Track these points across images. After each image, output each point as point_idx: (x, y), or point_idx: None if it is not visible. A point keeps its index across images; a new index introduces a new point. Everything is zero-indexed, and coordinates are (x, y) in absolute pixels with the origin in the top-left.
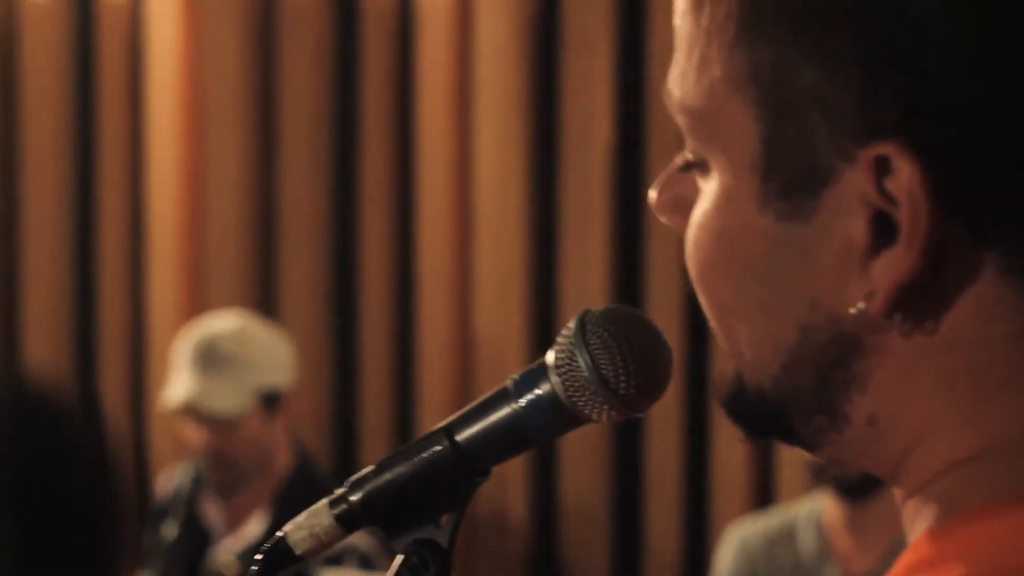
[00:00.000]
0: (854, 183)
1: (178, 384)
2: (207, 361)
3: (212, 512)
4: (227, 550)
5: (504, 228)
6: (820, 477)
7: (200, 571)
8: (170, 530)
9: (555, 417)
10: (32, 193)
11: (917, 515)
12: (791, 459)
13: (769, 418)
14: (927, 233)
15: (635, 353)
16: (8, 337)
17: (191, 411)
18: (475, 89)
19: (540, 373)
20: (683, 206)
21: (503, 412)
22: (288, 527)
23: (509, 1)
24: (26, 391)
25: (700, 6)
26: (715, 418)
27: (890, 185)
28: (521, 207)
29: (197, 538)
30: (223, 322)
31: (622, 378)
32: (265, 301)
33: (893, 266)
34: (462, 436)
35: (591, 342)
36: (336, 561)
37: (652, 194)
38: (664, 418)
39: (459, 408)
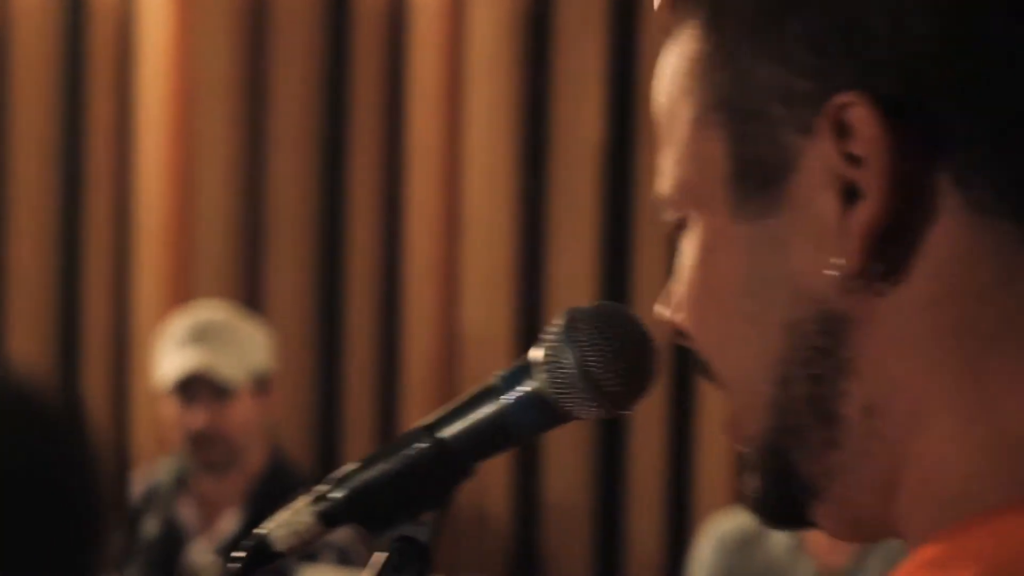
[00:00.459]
0: (817, 155)
1: (178, 359)
2: (207, 335)
3: (186, 510)
4: (202, 548)
5: (492, 225)
6: None
7: (176, 569)
8: (149, 528)
9: (541, 414)
10: (19, 188)
11: (921, 515)
12: None
13: (777, 476)
14: (890, 173)
15: (622, 350)
16: None
17: (193, 382)
18: (466, 86)
19: (526, 370)
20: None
21: (488, 409)
22: (270, 524)
23: None
24: (9, 387)
25: (665, 90)
26: (698, 416)
27: (852, 147)
28: (510, 204)
29: (172, 536)
30: (212, 308)
31: (609, 375)
32: (251, 298)
33: (862, 217)
34: (446, 433)
35: (578, 339)
36: (313, 557)
37: (663, 313)
38: (647, 416)
39: (444, 404)
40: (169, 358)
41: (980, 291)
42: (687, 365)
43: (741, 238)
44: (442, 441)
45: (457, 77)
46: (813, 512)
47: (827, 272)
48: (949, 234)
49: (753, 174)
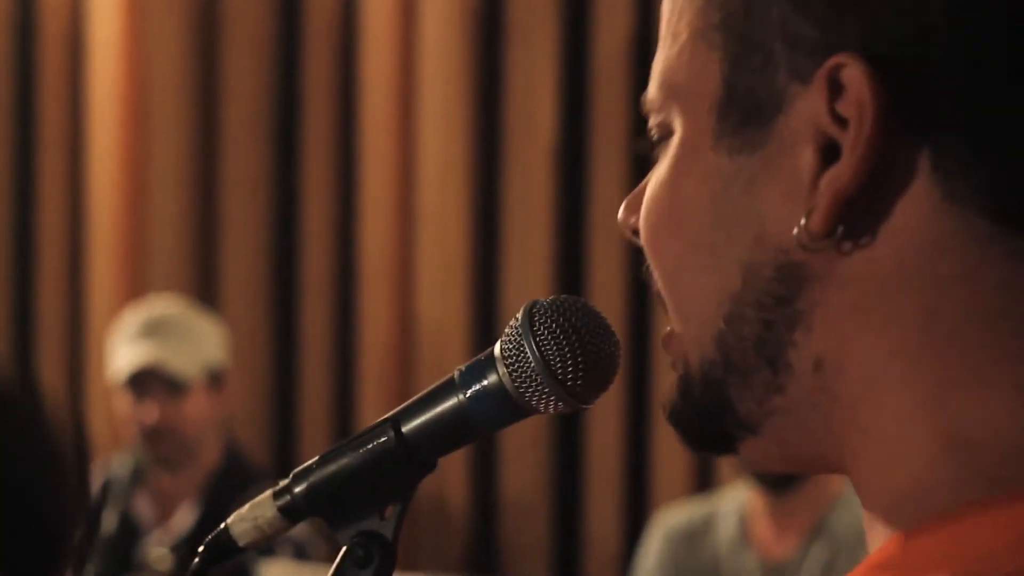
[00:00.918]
0: (807, 107)
1: (130, 353)
2: (160, 330)
3: (142, 505)
4: (157, 542)
5: (447, 220)
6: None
7: (131, 564)
8: (105, 523)
9: (502, 408)
10: None
11: (873, 496)
12: None
13: (710, 407)
14: (870, 141)
15: (583, 344)
16: None
17: (146, 376)
18: (419, 83)
19: (487, 364)
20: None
21: (449, 403)
22: (231, 518)
23: None
24: None
25: None
26: (656, 411)
27: (841, 107)
28: (464, 200)
29: (128, 531)
30: (164, 303)
31: (569, 369)
32: (205, 292)
33: (835, 178)
34: (407, 427)
35: (539, 332)
36: (270, 551)
37: (619, 214)
38: (605, 410)
39: (400, 398)
40: (121, 352)
41: (945, 281)
42: (644, 360)
43: (717, 169)
44: (403, 435)
45: (409, 75)
46: (742, 444)
47: (792, 225)
48: (920, 217)
49: (741, 106)
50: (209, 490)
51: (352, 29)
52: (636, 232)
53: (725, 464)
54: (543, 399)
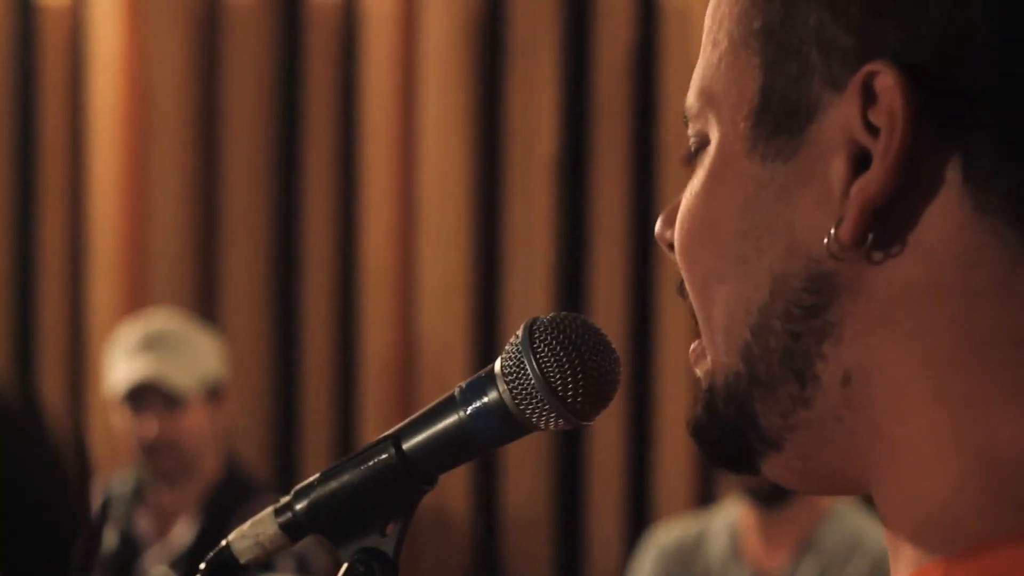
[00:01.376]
0: (840, 114)
1: (128, 368)
2: (157, 345)
3: (141, 520)
4: (156, 558)
5: (448, 233)
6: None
7: None
8: (107, 541)
9: (502, 425)
10: None
11: (901, 519)
12: None
13: (734, 421)
14: (901, 151)
15: (583, 361)
16: None
17: (144, 391)
18: (419, 93)
19: (487, 381)
20: (676, 213)
21: (449, 420)
22: (232, 535)
23: (454, 5)
24: None
25: (716, 2)
26: (658, 424)
27: (873, 115)
28: (465, 212)
29: (128, 548)
30: (162, 317)
31: (570, 386)
32: (206, 305)
33: (865, 187)
34: (408, 444)
35: (539, 350)
36: (271, 566)
37: (656, 227)
38: (607, 423)
39: (401, 413)
40: (119, 367)
41: (976, 293)
42: (645, 372)
43: (750, 176)
44: (404, 452)
45: (410, 85)
46: (763, 460)
47: (824, 235)
48: (950, 227)
49: (776, 112)
50: (208, 504)
51: (353, 43)
52: (671, 246)
53: (726, 477)
54: (544, 416)
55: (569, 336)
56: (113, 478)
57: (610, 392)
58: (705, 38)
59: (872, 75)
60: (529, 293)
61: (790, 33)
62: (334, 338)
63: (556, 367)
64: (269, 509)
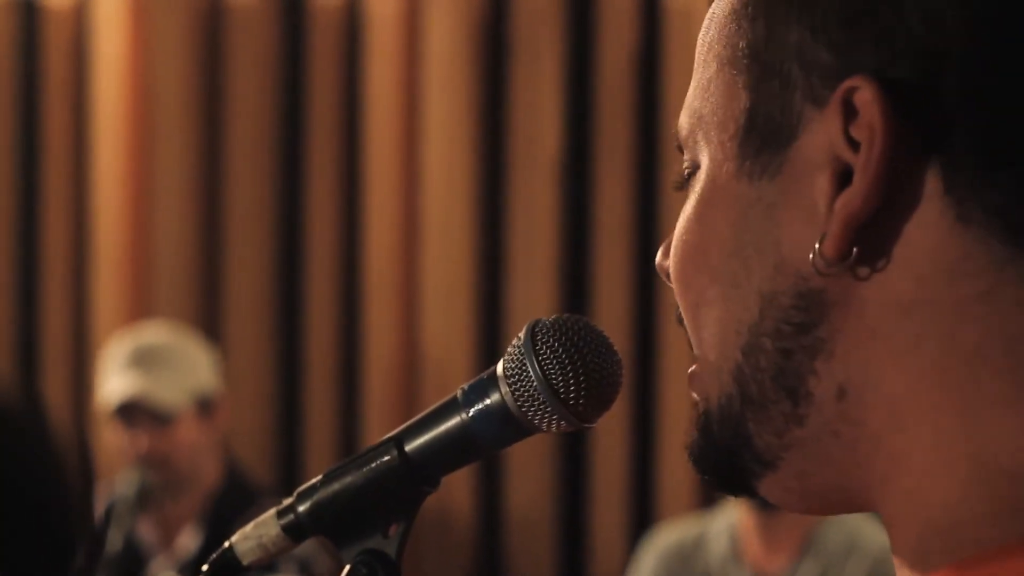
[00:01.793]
0: (822, 131)
1: (117, 383)
2: (146, 360)
3: (145, 528)
4: (162, 566)
5: (451, 237)
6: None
7: None
8: (111, 545)
9: (504, 427)
10: None
11: (905, 531)
12: None
13: (728, 443)
14: (881, 165)
15: (585, 363)
16: None
17: (133, 407)
18: (423, 94)
19: (490, 383)
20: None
21: (452, 422)
22: (235, 537)
23: (458, 8)
24: None
25: (706, 28)
26: (661, 425)
27: (854, 130)
28: (469, 215)
29: (132, 555)
30: (154, 330)
31: (572, 388)
32: (210, 310)
33: (847, 202)
34: (411, 446)
35: (541, 352)
36: (274, 568)
37: (657, 258)
38: (610, 425)
39: (404, 416)
40: (109, 382)
41: (963, 304)
42: (648, 375)
43: (739, 197)
44: (407, 454)
45: (414, 87)
46: (760, 481)
47: (810, 251)
48: (934, 239)
49: (761, 131)
50: (210, 512)
51: (357, 45)
52: (668, 276)
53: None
54: (546, 418)
55: (571, 338)
56: (117, 482)
57: (612, 394)
58: (696, 62)
59: (852, 91)
60: (533, 295)
61: (773, 52)
62: (338, 341)
63: (558, 369)
64: (272, 511)
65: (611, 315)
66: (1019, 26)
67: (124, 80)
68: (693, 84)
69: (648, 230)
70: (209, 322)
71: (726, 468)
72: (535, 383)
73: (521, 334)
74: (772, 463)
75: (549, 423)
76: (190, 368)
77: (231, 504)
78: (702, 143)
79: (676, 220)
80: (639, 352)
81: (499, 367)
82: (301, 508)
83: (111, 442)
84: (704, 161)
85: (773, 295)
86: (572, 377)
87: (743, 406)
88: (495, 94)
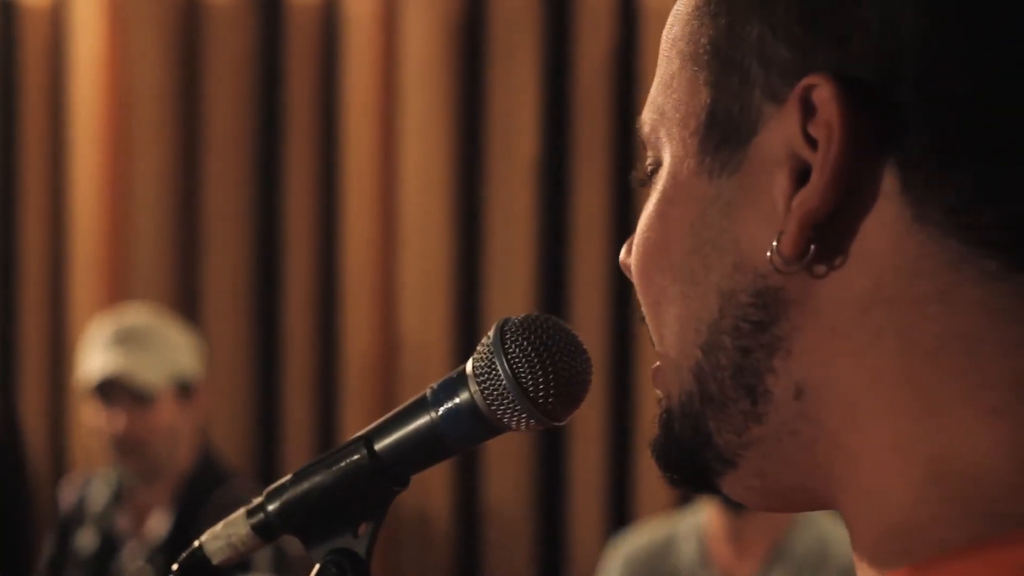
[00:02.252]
0: (781, 128)
1: (97, 361)
2: (127, 340)
3: (120, 518)
4: (133, 553)
5: (429, 234)
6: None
7: None
8: (85, 540)
9: (474, 426)
10: None
11: (864, 530)
12: None
13: (689, 441)
14: (838, 161)
15: (554, 362)
16: None
17: (112, 385)
18: (400, 95)
19: (459, 382)
20: None
21: (421, 421)
22: (205, 536)
23: (435, 7)
24: None
25: (670, 24)
26: (639, 424)
27: (812, 128)
28: (446, 213)
29: (107, 547)
30: (137, 312)
31: (541, 387)
32: (187, 306)
33: (804, 200)
34: (380, 445)
35: (510, 351)
36: (246, 566)
37: (621, 256)
38: (587, 424)
39: (381, 414)
40: (90, 360)
41: (919, 303)
42: (626, 373)
43: (699, 194)
44: (376, 453)
45: (391, 87)
46: (722, 479)
47: (767, 249)
48: (891, 238)
49: (721, 127)
50: (181, 496)
51: (334, 45)
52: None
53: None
54: (515, 417)
55: (540, 337)
56: (92, 477)
57: (581, 392)
58: (660, 58)
59: (810, 88)
60: (510, 294)
61: (734, 48)
62: (315, 338)
63: (527, 368)
64: (242, 510)
65: (588, 314)
66: (976, 28)
67: (101, 79)
68: (656, 80)
69: (625, 229)
70: (186, 319)
71: (688, 466)
72: (504, 382)
73: (490, 333)
74: (732, 461)
75: (519, 422)
76: (172, 350)
77: (201, 487)
78: (664, 140)
79: None
80: (616, 350)
81: (468, 366)
82: (271, 507)
83: (88, 431)
84: (666, 158)
85: (732, 293)
86: (541, 375)
87: (703, 404)
88: (472, 93)
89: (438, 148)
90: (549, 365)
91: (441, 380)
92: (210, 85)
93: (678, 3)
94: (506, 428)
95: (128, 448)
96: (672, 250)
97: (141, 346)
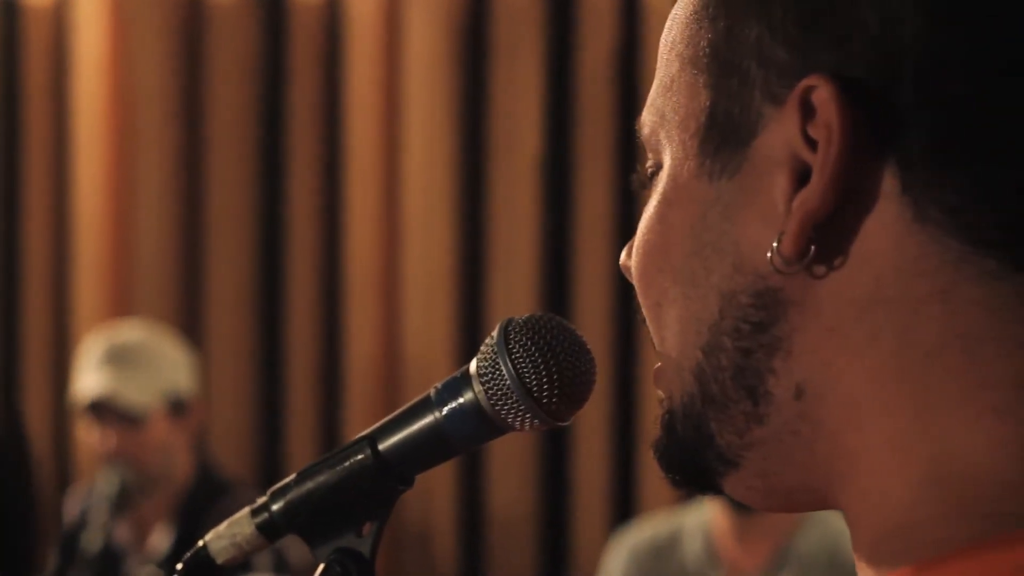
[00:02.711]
0: (781, 129)
1: (89, 381)
2: (117, 359)
3: (120, 529)
4: (137, 565)
5: (432, 235)
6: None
7: None
8: (87, 548)
9: (478, 426)
10: None
11: (865, 530)
12: None
13: (692, 442)
14: (838, 162)
15: (558, 362)
16: None
17: (102, 407)
18: (403, 96)
19: (463, 382)
20: None
21: (425, 421)
22: (209, 536)
23: (438, 8)
24: None
25: (669, 27)
26: (642, 427)
27: (812, 129)
28: (449, 215)
29: (107, 556)
30: (130, 329)
31: (545, 387)
32: (191, 309)
33: (804, 201)
34: (385, 445)
35: (514, 351)
36: (247, 565)
37: (621, 258)
38: (591, 427)
39: (385, 415)
40: (82, 379)
41: (920, 303)
42: (629, 374)
43: (699, 196)
44: (381, 453)
45: (394, 86)
46: (724, 480)
47: (767, 250)
48: (891, 239)
49: (720, 129)
50: (182, 510)
51: (337, 44)
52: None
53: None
54: (519, 417)
55: (544, 337)
56: (95, 484)
57: (585, 393)
58: (659, 61)
59: (809, 89)
60: (513, 294)
61: (732, 50)
62: (319, 339)
63: (531, 368)
64: (246, 510)
65: (591, 314)
66: (975, 28)
67: (104, 78)
68: (656, 83)
69: (628, 229)
70: (190, 321)
71: (690, 466)
72: (508, 382)
73: (494, 333)
74: (735, 462)
75: (522, 421)
76: (163, 368)
77: (203, 501)
78: (664, 142)
79: None
80: (620, 351)
81: (472, 365)
82: (275, 507)
83: (91, 443)
84: (666, 160)
85: (732, 294)
86: (545, 375)
87: (704, 405)
88: (475, 93)
89: (441, 147)
90: (553, 365)
91: (445, 380)
92: (213, 84)
93: (676, 6)
94: (510, 428)
95: (119, 465)
96: (672, 252)
97: (132, 365)
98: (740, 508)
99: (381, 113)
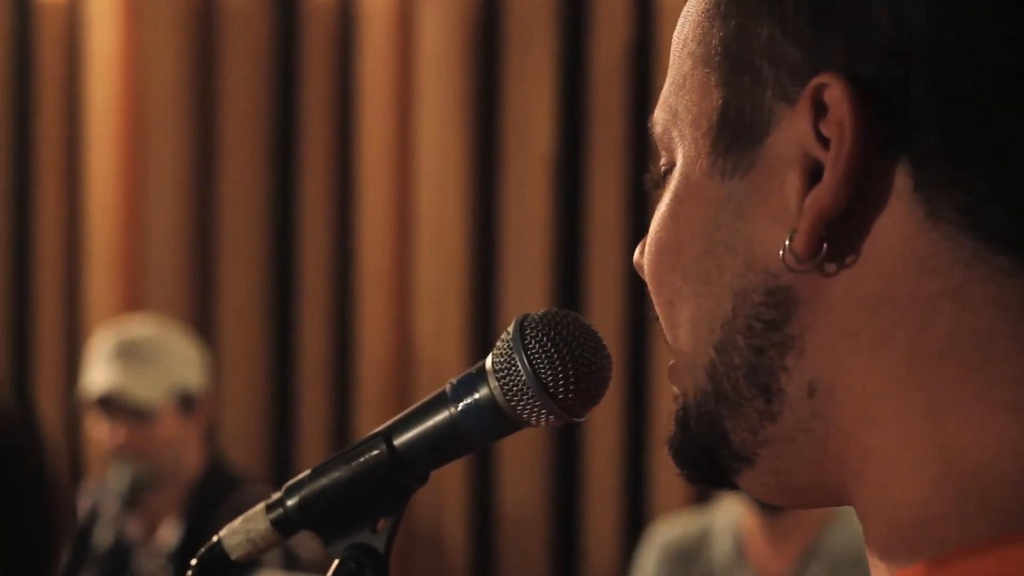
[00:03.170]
0: (793, 127)
1: (98, 375)
2: (127, 355)
3: (131, 523)
4: (146, 559)
5: (444, 233)
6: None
7: None
8: (100, 540)
9: (493, 421)
10: None
11: (877, 527)
12: None
13: (706, 439)
14: (850, 160)
15: (574, 357)
16: None
17: (110, 402)
18: (417, 93)
19: (478, 377)
20: None
21: (440, 416)
22: (224, 531)
23: (451, 5)
24: None
25: (681, 25)
26: (654, 424)
27: (824, 127)
28: (462, 212)
29: (118, 550)
30: (140, 324)
31: (560, 383)
32: (203, 305)
33: (817, 199)
34: (400, 440)
35: (530, 346)
36: (257, 561)
37: (635, 256)
38: (603, 424)
39: (397, 413)
40: (92, 374)
41: (931, 301)
42: (642, 371)
43: (711, 195)
44: (395, 448)
45: (407, 83)
46: (738, 476)
47: (779, 248)
48: (903, 236)
49: (732, 128)
50: (191, 505)
51: (350, 41)
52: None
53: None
54: (535, 412)
55: (560, 333)
56: (106, 479)
57: (601, 389)
58: (671, 59)
59: (821, 87)
60: (525, 292)
61: (744, 48)
62: (331, 337)
63: (547, 364)
64: (260, 505)
65: (604, 311)
66: (987, 26)
67: (117, 75)
68: (668, 82)
69: (641, 226)
70: (202, 317)
71: (704, 463)
72: (524, 377)
73: (510, 328)
74: (749, 459)
75: (538, 417)
76: (172, 364)
77: (212, 496)
78: (677, 140)
79: None
80: (632, 348)
81: (488, 361)
82: (289, 502)
83: (98, 435)
84: (679, 158)
85: (744, 292)
86: (561, 371)
87: (718, 403)
88: (488, 90)
89: (454, 145)
90: (569, 361)
91: (460, 376)
92: (226, 80)
93: (689, 4)
94: (525, 424)
95: (128, 460)
96: (685, 251)
97: (141, 361)
98: (768, 508)
99: (394, 110)
